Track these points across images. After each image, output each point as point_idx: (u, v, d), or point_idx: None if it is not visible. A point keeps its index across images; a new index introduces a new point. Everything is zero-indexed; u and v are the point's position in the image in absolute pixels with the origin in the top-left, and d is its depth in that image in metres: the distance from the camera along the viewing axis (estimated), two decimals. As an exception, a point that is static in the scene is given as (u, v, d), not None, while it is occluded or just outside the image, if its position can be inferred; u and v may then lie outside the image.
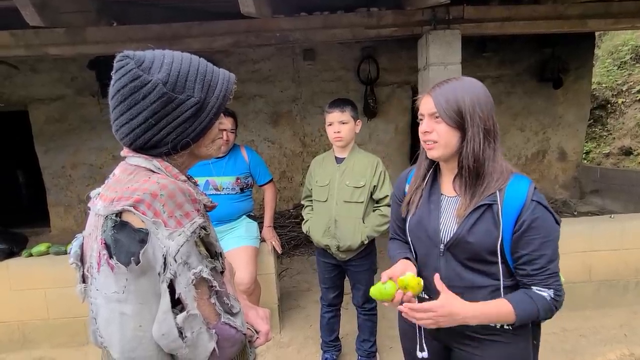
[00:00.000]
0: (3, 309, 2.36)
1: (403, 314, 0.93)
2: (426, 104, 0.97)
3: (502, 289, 0.95)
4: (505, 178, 0.93)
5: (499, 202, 0.91)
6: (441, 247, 0.99)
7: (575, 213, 4.51)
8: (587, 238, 2.45)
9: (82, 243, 0.78)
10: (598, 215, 4.00)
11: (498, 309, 0.91)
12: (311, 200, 2.01)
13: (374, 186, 1.83)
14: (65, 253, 2.37)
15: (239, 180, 2.19)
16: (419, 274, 1.05)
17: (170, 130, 0.72)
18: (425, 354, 1.06)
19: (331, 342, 2.10)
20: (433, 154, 0.98)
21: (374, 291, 0.99)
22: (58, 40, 2.54)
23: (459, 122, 0.92)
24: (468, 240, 0.93)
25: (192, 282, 0.67)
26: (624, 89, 6.24)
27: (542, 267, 0.90)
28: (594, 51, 5.17)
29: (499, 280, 0.95)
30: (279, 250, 2.43)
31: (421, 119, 1.00)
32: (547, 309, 0.91)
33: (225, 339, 0.71)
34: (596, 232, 2.45)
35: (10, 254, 2.37)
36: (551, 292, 0.90)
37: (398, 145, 5.06)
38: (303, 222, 2.04)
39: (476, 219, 0.93)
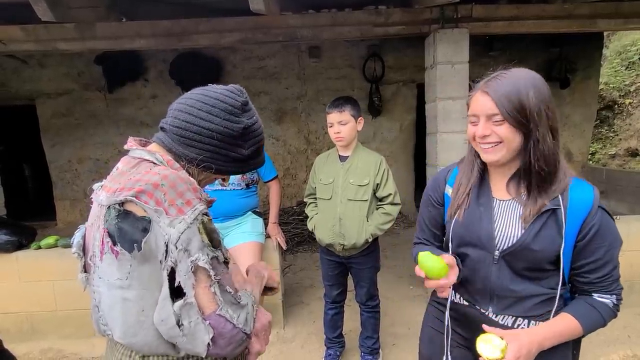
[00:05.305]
0: (12, 300, 2.40)
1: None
2: (483, 104, 0.86)
3: (557, 299, 0.90)
4: (567, 181, 0.87)
5: (562, 207, 0.85)
6: (496, 253, 0.91)
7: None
8: (592, 239, 2.44)
9: (85, 233, 0.80)
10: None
11: (563, 325, 0.87)
12: (314, 198, 2.02)
13: (377, 184, 1.84)
14: (74, 246, 2.41)
15: (244, 176, 2.20)
16: (465, 280, 0.99)
17: (210, 150, 0.79)
18: None
19: (335, 338, 2.12)
20: (492, 157, 0.88)
21: (431, 261, 0.86)
22: (68, 35, 2.57)
23: (524, 123, 0.82)
24: (532, 248, 0.86)
25: (191, 270, 0.67)
26: (631, 90, 6.19)
27: (606, 274, 0.87)
28: (602, 51, 5.13)
29: (553, 289, 0.90)
30: (284, 247, 2.44)
31: (474, 122, 0.89)
32: (610, 315, 0.88)
33: (220, 334, 0.69)
34: (601, 233, 2.45)
35: (20, 246, 2.40)
36: (614, 297, 0.88)
37: (402, 143, 5.05)
38: (308, 219, 2.05)
39: (542, 225, 0.86)
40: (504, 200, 0.93)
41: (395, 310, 2.68)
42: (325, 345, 2.16)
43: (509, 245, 0.89)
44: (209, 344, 0.68)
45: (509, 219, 0.91)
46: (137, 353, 0.74)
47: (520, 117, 0.82)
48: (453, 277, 0.91)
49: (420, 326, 1.17)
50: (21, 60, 4.63)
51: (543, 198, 0.86)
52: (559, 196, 0.86)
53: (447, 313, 1.02)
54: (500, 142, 0.86)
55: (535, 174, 0.86)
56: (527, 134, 0.84)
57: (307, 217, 2.07)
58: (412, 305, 2.72)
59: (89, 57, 4.57)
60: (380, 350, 2.10)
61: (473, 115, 0.89)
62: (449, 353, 1.00)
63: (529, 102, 0.82)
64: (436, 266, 0.86)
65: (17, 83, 4.79)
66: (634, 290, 2.51)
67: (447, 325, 1.01)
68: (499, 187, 0.94)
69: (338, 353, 2.13)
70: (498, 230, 0.92)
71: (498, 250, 0.91)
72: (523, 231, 0.88)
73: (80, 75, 4.79)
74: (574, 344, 0.96)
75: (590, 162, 5.78)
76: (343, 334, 2.17)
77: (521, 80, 0.84)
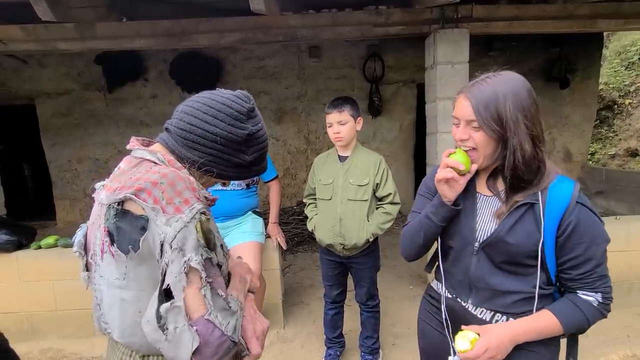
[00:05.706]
0: (12, 299, 2.40)
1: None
2: (463, 109, 0.89)
3: (536, 298, 0.90)
4: (549, 179, 0.88)
5: (540, 202, 0.86)
6: (475, 245, 0.95)
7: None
8: (592, 239, 2.44)
9: (86, 232, 0.81)
10: (603, 216, 4.00)
11: (542, 322, 0.88)
12: (314, 198, 2.02)
13: (377, 184, 1.84)
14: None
15: (245, 176, 2.20)
16: (448, 272, 1.02)
17: (212, 154, 0.79)
18: (457, 358, 0.99)
19: (335, 338, 2.12)
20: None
21: (463, 153, 0.92)
22: (68, 35, 2.57)
23: (500, 132, 0.85)
24: (507, 241, 0.89)
25: (183, 270, 0.65)
26: (631, 90, 6.20)
27: (587, 271, 0.86)
28: (602, 51, 5.13)
29: (534, 287, 0.90)
30: (284, 247, 2.45)
31: (456, 123, 0.92)
32: (595, 314, 0.87)
33: (206, 342, 0.64)
34: (601, 234, 2.45)
35: (20, 245, 2.40)
36: (599, 295, 0.87)
37: (402, 143, 5.06)
38: (308, 220, 2.04)
39: (517, 219, 0.88)
40: (487, 196, 0.97)
41: (395, 310, 2.68)
42: (325, 345, 2.16)
43: (485, 237, 0.93)
44: (193, 352, 0.63)
45: (489, 214, 0.95)
46: (138, 352, 0.74)
47: (495, 125, 0.84)
48: (468, 176, 0.93)
49: None
50: (21, 60, 4.63)
51: (518, 197, 0.89)
52: (539, 192, 0.88)
53: (443, 309, 1.03)
54: (475, 149, 0.89)
55: (508, 178, 0.88)
56: (505, 142, 0.86)
57: (307, 217, 2.07)
58: (412, 305, 2.72)
59: (89, 57, 4.56)
60: (380, 350, 2.10)
61: (455, 118, 0.93)
62: (451, 347, 1.01)
63: (506, 111, 0.83)
64: (465, 157, 0.91)
65: (17, 83, 4.79)
66: (632, 290, 2.51)
67: (445, 318, 1.02)
68: (483, 183, 0.99)
69: (338, 353, 2.13)
70: (479, 224, 0.95)
71: (477, 242, 0.95)
72: (497, 224, 0.91)
73: (80, 75, 4.79)
74: (570, 349, 0.97)
75: (590, 162, 5.79)
76: (343, 333, 2.17)
77: (502, 87, 0.85)
